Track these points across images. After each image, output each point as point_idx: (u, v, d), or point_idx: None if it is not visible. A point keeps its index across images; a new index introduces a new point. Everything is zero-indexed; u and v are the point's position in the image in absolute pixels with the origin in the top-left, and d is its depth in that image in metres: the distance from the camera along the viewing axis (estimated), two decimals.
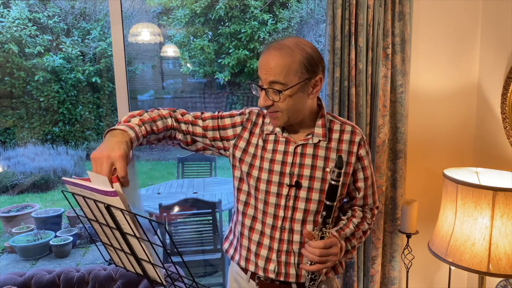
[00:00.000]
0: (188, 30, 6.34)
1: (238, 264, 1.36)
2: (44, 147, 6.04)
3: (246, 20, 6.03)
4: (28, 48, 5.79)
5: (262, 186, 1.26)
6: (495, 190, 1.41)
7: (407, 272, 2.09)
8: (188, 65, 6.55)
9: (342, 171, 1.06)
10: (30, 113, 6.04)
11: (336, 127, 1.29)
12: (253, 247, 1.30)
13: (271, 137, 1.29)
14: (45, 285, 1.92)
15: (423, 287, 2.31)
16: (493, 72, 1.98)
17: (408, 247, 2.04)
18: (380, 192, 2.05)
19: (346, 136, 1.28)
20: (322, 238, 1.14)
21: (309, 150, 1.26)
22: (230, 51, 6.14)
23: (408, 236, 2.00)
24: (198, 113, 1.34)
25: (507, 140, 1.87)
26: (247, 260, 1.33)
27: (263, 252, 1.29)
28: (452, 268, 1.90)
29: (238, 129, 1.33)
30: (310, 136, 1.26)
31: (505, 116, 1.84)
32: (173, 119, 1.27)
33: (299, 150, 1.26)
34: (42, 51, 5.87)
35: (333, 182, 1.07)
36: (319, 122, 1.26)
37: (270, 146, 1.28)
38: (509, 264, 1.42)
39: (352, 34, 1.91)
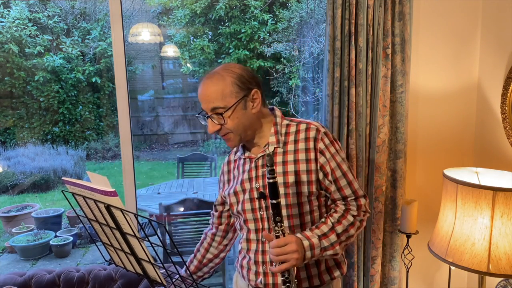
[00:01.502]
0: (188, 30, 6.34)
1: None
2: (44, 147, 6.04)
3: (246, 20, 6.03)
4: (28, 48, 5.79)
5: (239, 207, 1.35)
6: (495, 190, 1.41)
7: (407, 272, 2.09)
8: (188, 65, 6.54)
9: (273, 168, 1.10)
10: (30, 113, 6.04)
11: (292, 129, 1.33)
12: (245, 263, 1.39)
13: (240, 162, 1.39)
14: (45, 285, 1.92)
15: (423, 287, 2.31)
16: (493, 72, 1.98)
17: (408, 247, 2.04)
18: (380, 192, 2.05)
19: (302, 135, 1.30)
20: (277, 237, 1.16)
21: None
22: (230, 51, 6.13)
23: (408, 236, 2.01)
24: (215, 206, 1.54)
25: (507, 140, 1.87)
26: (243, 277, 1.42)
27: (253, 267, 1.36)
28: (452, 268, 1.90)
29: (221, 179, 1.49)
30: (266, 146, 1.32)
31: (505, 116, 1.84)
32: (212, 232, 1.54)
33: (260, 162, 1.33)
34: (42, 51, 5.87)
35: (270, 181, 1.10)
36: (272, 130, 1.32)
37: (240, 170, 1.38)
38: (509, 264, 1.42)
39: (352, 34, 1.91)
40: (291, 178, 1.27)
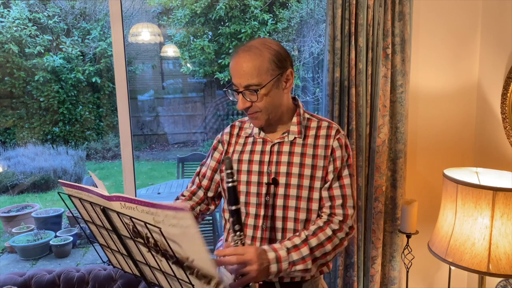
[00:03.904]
0: (188, 30, 6.34)
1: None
2: (44, 147, 6.04)
3: (246, 20, 6.02)
4: (28, 48, 5.79)
5: (242, 188, 1.30)
6: (495, 190, 1.41)
7: (407, 272, 2.08)
8: (188, 65, 6.54)
9: (232, 171, 1.08)
10: (30, 113, 6.04)
11: (313, 124, 1.33)
12: None
13: (250, 140, 1.35)
14: (45, 285, 1.92)
15: (423, 287, 2.31)
16: (493, 72, 1.98)
17: (408, 247, 2.04)
18: (380, 192, 2.05)
19: (323, 132, 1.31)
20: (236, 245, 1.09)
21: (286, 148, 1.29)
22: (230, 51, 6.13)
23: (408, 236, 2.00)
24: (194, 180, 1.47)
25: (507, 140, 1.86)
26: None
27: None
28: (452, 268, 1.90)
29: (220, 149, 1.41)
30: (286, 134, 1.30)
31: (505, 116, 1.84)
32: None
33: (275, 148, 1.30)
34: (42, 51, 5.87)
35: (229, 184, 1.07)
36: (294, 120, 1.31)
37: (248, 148, 1.33)
38: (509, 264, 1.41)
39: (352, 34, 1.91)
40: (307, 171, 1.26)
